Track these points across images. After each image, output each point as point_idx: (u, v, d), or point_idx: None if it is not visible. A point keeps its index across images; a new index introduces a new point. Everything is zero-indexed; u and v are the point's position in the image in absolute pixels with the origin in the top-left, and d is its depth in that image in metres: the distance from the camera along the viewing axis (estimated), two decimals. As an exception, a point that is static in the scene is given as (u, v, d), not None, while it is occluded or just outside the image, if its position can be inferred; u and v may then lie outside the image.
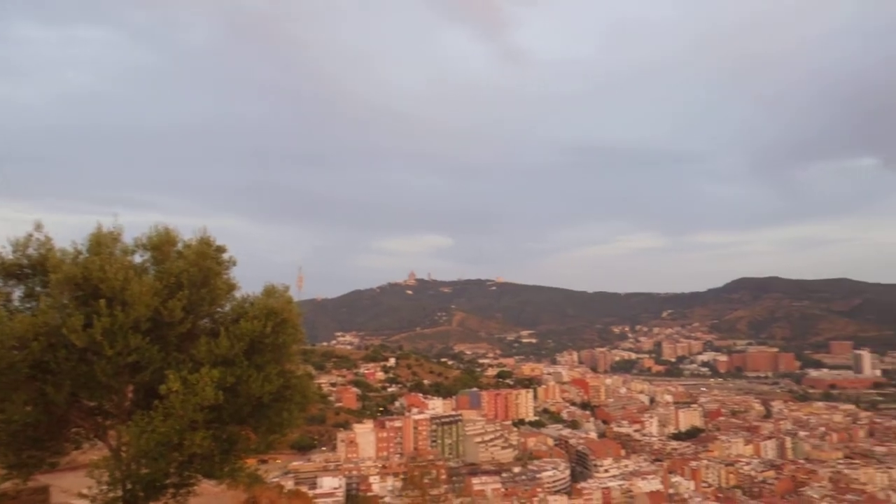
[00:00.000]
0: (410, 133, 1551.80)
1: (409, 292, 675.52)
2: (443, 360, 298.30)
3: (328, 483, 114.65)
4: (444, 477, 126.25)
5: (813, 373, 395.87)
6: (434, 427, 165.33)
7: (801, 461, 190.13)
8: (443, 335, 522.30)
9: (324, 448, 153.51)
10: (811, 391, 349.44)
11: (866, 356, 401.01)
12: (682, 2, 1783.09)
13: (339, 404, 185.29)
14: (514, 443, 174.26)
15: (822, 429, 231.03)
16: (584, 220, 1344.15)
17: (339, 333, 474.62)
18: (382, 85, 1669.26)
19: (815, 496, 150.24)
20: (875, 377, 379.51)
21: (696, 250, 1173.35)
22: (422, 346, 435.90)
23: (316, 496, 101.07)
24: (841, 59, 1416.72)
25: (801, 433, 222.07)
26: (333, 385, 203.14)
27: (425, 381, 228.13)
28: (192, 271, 13.22)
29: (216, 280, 13.86)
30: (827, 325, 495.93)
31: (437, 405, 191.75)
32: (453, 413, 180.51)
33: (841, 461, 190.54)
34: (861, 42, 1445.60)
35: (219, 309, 14.31)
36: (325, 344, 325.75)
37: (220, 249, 14.30)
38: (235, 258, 14.62)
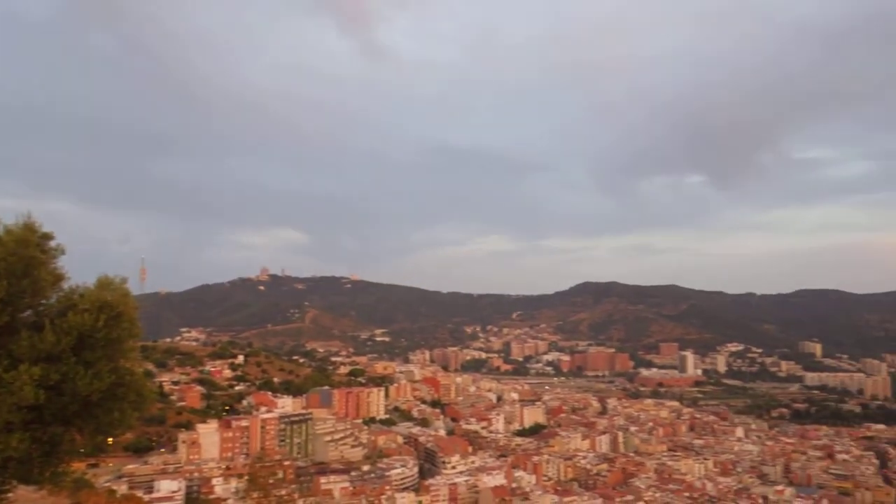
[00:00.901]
0: (268, 124, 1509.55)
1: (262, 288, 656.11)
2: (294, 357, 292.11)
3: (166, 486, 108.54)
4: (291, 477, 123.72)
5: (644, 372, 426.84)
6: (283, 426, 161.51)
7: (632, 454, 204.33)
8: (295, 332, 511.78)
9: (163, 450, 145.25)
10: (642, 389, 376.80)
11: (690, 357, 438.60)
12: (541, 23, 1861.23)
13: (182, 403, 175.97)
14: (365, 441, 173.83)
15: (651, 424, 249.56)
16: (441, 221, 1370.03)
17: (184, 329, 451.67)
18: (239, 73, 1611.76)
19: (642, 486, 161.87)
20: (697, 376, 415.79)
21: (546, 254, 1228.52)
22: (273, 344, 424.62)
23: (152, 500, 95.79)
24: (677, 86, 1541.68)
25: (632, 428, 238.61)
26: (176, 383, 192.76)
27: (275, 380, 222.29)
28: (11, 260, 12.11)
29: (40, 270, 12.77)
30: (657, 328, 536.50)
31: (286, 404, 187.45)
32: (303, 412, 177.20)
33: (665, 454, 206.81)
34: (696, 72, 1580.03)
35: (43, 301, 13.21)
36: (168, 340, 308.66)
37: (47, 237, 13.20)
38: (64, 246, 13.55)
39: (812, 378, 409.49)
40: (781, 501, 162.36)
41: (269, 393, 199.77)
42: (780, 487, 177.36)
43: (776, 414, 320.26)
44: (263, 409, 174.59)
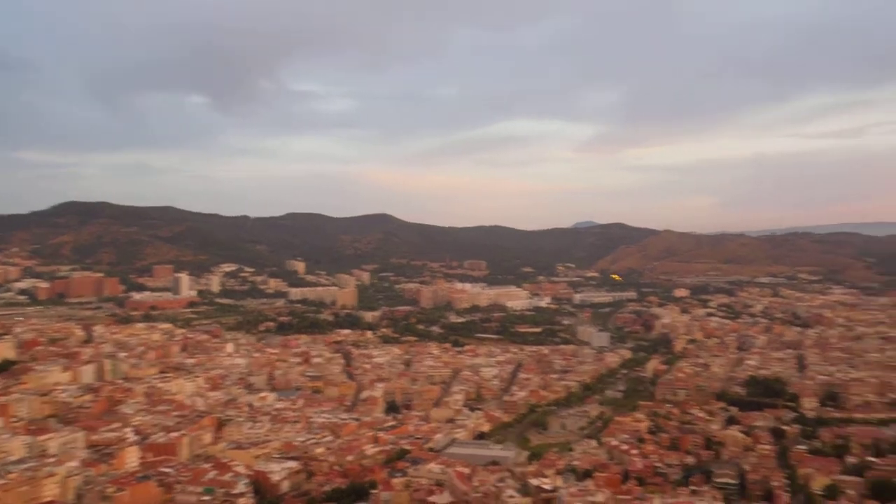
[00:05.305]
0: None
1: None
2: None
3: None
4: None
5: (136, 296, 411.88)
6: None
7: (120, 381, 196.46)
8: None
9: None
10: (133, 313, 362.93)
11: (184, 278, 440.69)
12: None
13: None
14: None
15: (142, 348, 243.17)
16: None
17: None
18: None
19: (130, 411, 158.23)
20: (191, 297, 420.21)
21: (20, 169, 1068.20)
22: None
23: None
24: (186, 7, 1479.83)
25: (121, 354, 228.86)
26: None
27: None
28: None
29: None
30: (152, 251, 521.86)
31: None
32: None
33: (156, 376, 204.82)
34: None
35: None
36: None
37: None
38: None
39: (296, 293, 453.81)
40: (265, 406, 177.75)
41: None
42: (264, 394, 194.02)
43: (263, 328, 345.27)
44: None
